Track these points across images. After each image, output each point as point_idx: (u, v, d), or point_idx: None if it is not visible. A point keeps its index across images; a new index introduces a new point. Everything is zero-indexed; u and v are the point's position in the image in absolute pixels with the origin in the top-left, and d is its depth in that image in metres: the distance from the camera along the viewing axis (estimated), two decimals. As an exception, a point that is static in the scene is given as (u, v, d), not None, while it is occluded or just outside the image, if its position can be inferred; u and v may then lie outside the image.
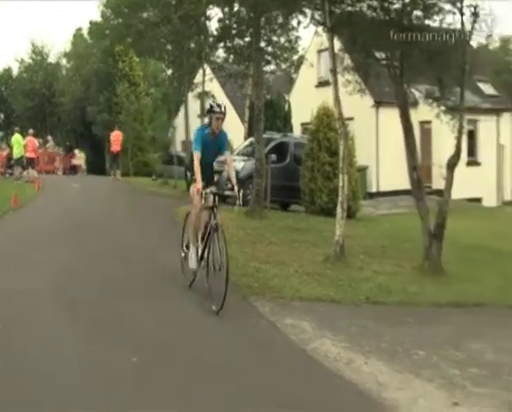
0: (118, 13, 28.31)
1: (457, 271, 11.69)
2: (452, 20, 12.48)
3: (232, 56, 24.38)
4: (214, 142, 8.87)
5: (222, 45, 24.88)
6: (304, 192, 20.25)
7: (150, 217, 17.41)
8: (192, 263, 9.03)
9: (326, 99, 19.43)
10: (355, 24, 13.06)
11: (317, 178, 19.85)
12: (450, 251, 12.39)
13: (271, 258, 11.69)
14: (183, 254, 9.53)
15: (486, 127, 32.46)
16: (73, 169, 38.42)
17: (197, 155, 8.68)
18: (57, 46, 66.89)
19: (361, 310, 9.19)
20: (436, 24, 12.76)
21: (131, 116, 38.78)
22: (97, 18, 43.35)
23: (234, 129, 34.60)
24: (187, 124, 27.71)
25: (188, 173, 9.42)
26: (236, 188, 8.61)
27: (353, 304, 9.39)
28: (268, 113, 24.75)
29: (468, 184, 26.32)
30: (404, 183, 14.30)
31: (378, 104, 30.01)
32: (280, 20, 21.84)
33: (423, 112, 16.15)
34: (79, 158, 39.78)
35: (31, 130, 30.67)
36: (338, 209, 12.36)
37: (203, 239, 8.87)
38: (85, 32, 53.59)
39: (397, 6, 12.70)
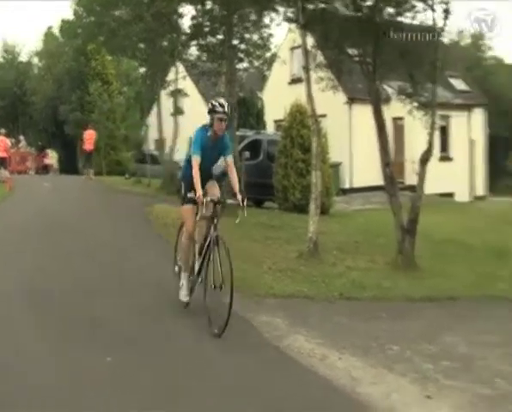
0: (91, 11, 28.11)
1: (430, 266, 11.78)
2: (424, 17, 12.60)
3: (205, 54, 24.30)
4: (215, 146, 7.95)
5: (194, 42, 24.78)
6: (277, 189, 20.26)
7: (123, 216, 17.31)
8: (183, 294, 8.19)
9: (298, 96, 19.46)
10: (327, 21, 13.10)
11: (290, 175, 19.87)
12: (423, 246, 12.48)
13: (245, 256, 11.66)
14: (177, 269, 8.55)
15: (458, 122, 32.70)
16: (45, 169, 38.13)
17: (196, 160, 7.72)
18: (29, 45, 66.45)
19: (334, 306, 9.22)
20: (409, 21, 12.86)
21: (103, 115, 38.53)
22: (69, 16, 43.02)
23: (208, 126, 34.59)
24: (160, 123, 27.63)
25: (182, 184, 8.19)
26: (240, 196, 7.71)
27: (327, 300, 9.42)
28: (241, 111, 24.76)
29: (441, 179, 26.49)
30: (377, 179, 14.39)
31: (351, 100, 30.13)
32: (253, 17, 21.83)
33: (395, 108, 16.24)
34: (51, 157, 39.48)
35: (3, 130, 30.26)
36: (312, 206, 12.40)
37: (200, 253, 7.98)
38: (56, 30, 53.21)
39: (369, 3, 12.76)
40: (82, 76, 44.94)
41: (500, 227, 18.15)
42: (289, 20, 14.79)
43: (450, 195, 31.08)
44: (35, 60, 58.48)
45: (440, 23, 12.29)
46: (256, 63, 27.15)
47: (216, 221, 7.68)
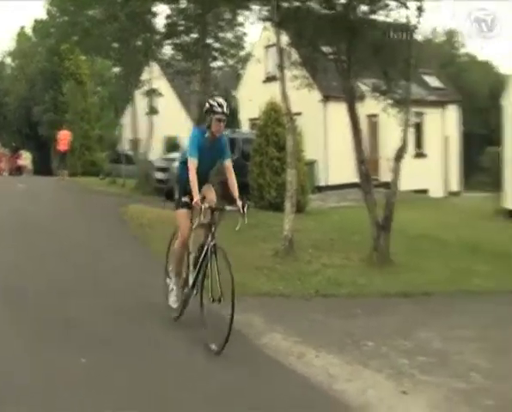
0: (64, 11, 27.99)
1: (405, 261, 11.84)
2: (397, 14, 12.66)
3: (180, 53, 24.27)
4: (212, 149, 7.44)
5: (169, 42, 24.74)
6: (253, 188, 20.24)
7: (98, 217, 17.22)
8: (172, 299, 7.74)
9: (273, 95, 19.45)
10: (302, 19, 13.13)
11: (265, 174, 19.87)
12: (398, 242, 12.54)
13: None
14: (168, 281, 8.01)
15: (432, 119, 32.90)
16: (19, 170, 37.86)
17: (193, 163, 7.20)
18: (2, 45, 65.88)
19: (310, 303, 9.24)
20: (382, 18, 12.92)
21: (78, 115, 38.29)
22: (42, 16, 42.75)
23: (183, 126, 34.49)
24: (135, 123, 27.53)
25: (177, 188, 7.73)
26: (240, 202, 7.22)
27: (303, 298, 9.44)
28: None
29: (415, 175, 26.64)
30: (352, 176, 14.43)
31: (326, 98, 30.19)
32: (227, 16, 21.85)
33: (370, 105, 16.31)
34: (25, 158, 39.22)
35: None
36: (287, 204, 12.41)
37: (195, 263, 7.43)
38: (29, 30, 52.81)
39: (343, 1, 12.82)
40: (56, 76, 44.65)
41: (474, 223, 18.34)
42: (263, 18, 14.80)
43: (425, 191, 31.26)
44: (8, 60, 58.05)
45: (413, 21, 12.39)
46: (230, 62, 27.20)
47: (213, 229, 7.18)
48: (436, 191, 32.42)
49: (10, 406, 5.29)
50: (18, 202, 19.39)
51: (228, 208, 7.27)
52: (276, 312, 8.60)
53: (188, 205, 7.42)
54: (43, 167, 41.75)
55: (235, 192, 7.39)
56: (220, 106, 7.29)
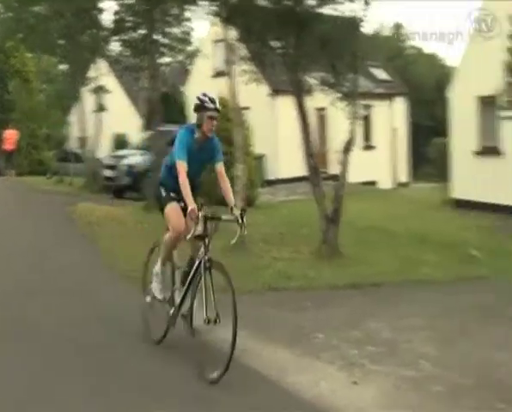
0: (8, 7, 27.44)
1: (354, 253, 11.93)
2: (345, 7, 12.73)
3: (128, 49, 24.04)
4: (202, 150, 6.68)
5: (117, 38, 24.48)
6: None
7: (45, 216, 16.97)
8: (157, 290, 6.97)
9: (222, 90, 19.40)
10: (249, 13, 13.11)
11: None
12: (347, 234, 12.63)
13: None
14: (148, 299, 7.18)
15: (380, 112, 33.26)
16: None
17: (183, 166, 6.43)
18: None
19: (261, 297, 9.25)
20: (330, 12, 12.97)
21: (24, 114, 37.70)
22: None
23: (132, 122, 34.24)
24: (82, 120, 27.22)
25: (162, 190, 6.91)
26: (237, 211, 6.55)
27: (253, 291, 9.44)
28: (165, 106, 24.56)
29: (364, 168, 26.93)
30: (301, 170, 14.47)
31: (275, 92, 30.24)
32: (175, 11, 21.70)
33: (318, 98, 16.38)
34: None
35: None
36: (236, 199, 12.38)
37: (184, 280, 6.71)
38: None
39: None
40: (1, 74, 43.83)
41: (422, 213, 18.59)
42: (211, 13, 14.74)
43: (374, 183, 31.61)
44: (-49, 58, 56.77)
45: (360, 14, 12.47)
46: (179, 58, 27.03)
47: (207, 241, 6.40)
48: (385, 183, 32.81)
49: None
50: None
51: (224, 217, 6.55)
52: (227, 306, 8.57)
53: (178, 200, 6.71)
54: (-11, 167, 41.00)
55: (231, 200, 6.73)
56: (212, 101, 6.59)
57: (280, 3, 12.79)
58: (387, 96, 34.59)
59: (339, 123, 15.05)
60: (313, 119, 13.73)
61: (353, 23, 12.92)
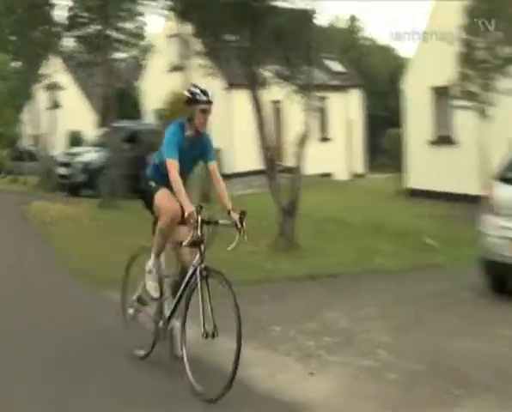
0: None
1: (311, 245, 11.99)
2: (298, 0, 12.76)
3: (82, 45, 23.80)
4: (193, 147, 6.14)
5: (70, 34, 24.21)
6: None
7: (-1, 215, 16.76)
8: (152, 288, 6.35)
9: (178, 85, 19.34)
10: (204, 8, 13.06)
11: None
12: (304, 226, 12.67)
13: (129, 248, 11.47)
14: (131, 312, 6.65)
15: (335, 103, 33.45)
16: None
17: (175, 165, 5.87)
18: None
19: (218, 291, 9.21)
20: (284, 4, 12.99)
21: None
22: None
23: (87, 119, 33.91)
24: (36, 118, 26.90)
25: (152, 183, 6.25)
26: (236, 215, 5.97)
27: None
28: (120, 102, 24.39)
29: (320, 159, 27.04)
30: (258, 163, 14.47)
31: (230, 86, 30.16)
32: (128, 6, 21.54)
33: (273, 91, 16.40)
34: None
35: None
36: (192, 193, 12.34)
37: (175, 290, 6.15)
38: None
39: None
40: (-49, 73, 43.09)
41: (378, 204, 18.75)
42: (166, 8, 14.68)
43: (330, 174, 31.77)
44: None
45: (312, 6, 12.51)
46: (133, 53, 26.82)
47: (203, 247, 5.86)
48: (341, 174, 33.00)
49: None
50: None
51: (221, 221, 5.95)
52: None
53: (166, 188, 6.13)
54: None
55: (228, 202, 6.15)
56: (204, 93, 6.00)
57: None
58: (343, 88, 34.78)
59: (295, 115, 15.08)
60: (268, 112, 13.72)
61: (307, 15, 12.96)
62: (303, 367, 6.28)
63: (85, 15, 21.95)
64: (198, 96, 5.96)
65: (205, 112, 6.00)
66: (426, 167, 21.58)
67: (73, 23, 22.82)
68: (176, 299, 6.09)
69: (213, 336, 5.65)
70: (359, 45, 57.74)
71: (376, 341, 7.10)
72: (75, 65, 26.84)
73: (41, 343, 6.91)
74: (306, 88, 12.64)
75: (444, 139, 21.59)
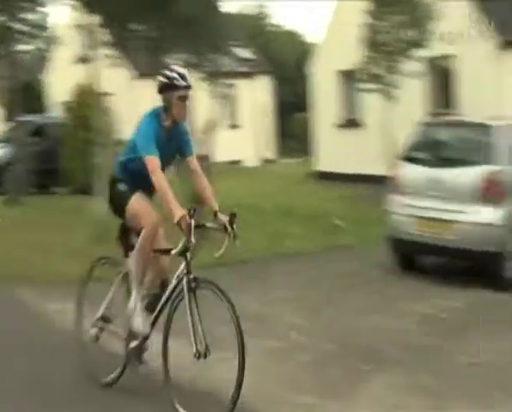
0: None
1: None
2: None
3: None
4: (170, 140, 5.31)
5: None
6: (65, 173, 19.69)
7: None
8: (138, 321, 5.34)
9: (84, 76, 19.00)
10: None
11: (76, 158, 19.31)
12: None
13: (35, 244, 11.29)
14: (94, 331, 5.76)
15: (244, 90, 33.54)
16: None
17: (155, 162, 5.05)
18: None
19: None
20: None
21: None
22: None
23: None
24: None
25: (120, 185, 5.44)
26: (225, 217, 5.19)
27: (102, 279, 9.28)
28: (25, 95, 23.79)
29: (230, 146, 27.11)
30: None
31: (139, 76, 29.82)
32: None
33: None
34: None
35: None
36: (99, 187, 12.18)
37: (153, 307, 5.31)
38: None
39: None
40: None
41: (289, 188, 18.93)
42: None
43: (240, 161, 31.87)
44: None
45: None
46: (37, 44, 26.20)
47: (189, 255, 5.10)
48: (252, 161, 33.12)
49: None
50: None
51: (208, 224, 5.24)
52: (92, 296, 8.41)
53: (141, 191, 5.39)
54: None
55: (214, 203, 5.32)
56: (182, 77, 5.15)
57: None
58: (251, 75, 34.87)
59: (203, 103, 15.05)
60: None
61: (213, 2, 12.97)
62: (215, 353, 6.26)
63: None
64: (175, 81, 5.14)
65: (184, 99, 5.19)
66: (334, 150, 21.90)
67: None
68: (154, 315, 5.29)
69: (205, 355, 4.95)
70: (266, 31, 57.93)
71: (288, 323, 7.20)
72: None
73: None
74: (213, 76, 12.65)
75: (351, 122, 21.97)
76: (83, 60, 24.34)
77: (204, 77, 12.88)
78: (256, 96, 34.85)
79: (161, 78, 5.21)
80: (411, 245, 9.58)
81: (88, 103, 19.34)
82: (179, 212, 4.86)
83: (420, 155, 9.83)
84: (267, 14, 60.54)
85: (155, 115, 5.29)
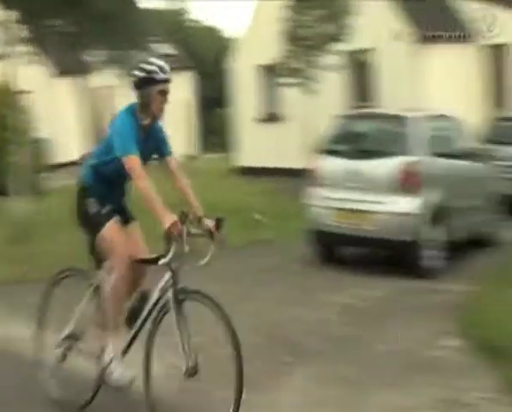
0: None
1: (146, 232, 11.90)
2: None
3: None
4: (148, 139, 4.92)
5: None
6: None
7: None
8: (119, 373, 4.86)
9: (0, 74, 18.57)
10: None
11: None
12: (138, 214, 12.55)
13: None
14: (59, 351, 5.19)
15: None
16: None
17: (135, 160, 4.64)
18: None
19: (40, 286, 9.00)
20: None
21: None
22: None
23: None
24: None
25: (91, 202, 4.92)
26: (211, 222, 4.86)
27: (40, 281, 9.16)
28: None
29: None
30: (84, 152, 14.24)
31: (57, 74, 29.32)
32: None
33: (103, 77, 16.15)
34: None
35: None
36: (16, 186, 11.97)
37: (130, 323, 4.87)
38: None
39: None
40: None
41: (212, 183, 18.83)
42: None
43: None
44: None
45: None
46: None
47: (174, 266, 4.66)
48: (176, 157, 33.01)
49: None
50: None
51: (193, 230, 4.71)
52: (18, 299, 8.27)
53: (113, 213, 4.97)
54: None
55: (197, 207, 4.99)
56: (162, 69, 4.80)
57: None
58: (172, 70, 34.66)
59: (125, 101, 14.92)
60: (99, 98, 13.50)
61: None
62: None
63: None
64: (155, 75, 4.77)
65: (164, 93, 4.86)
66: (256, 145, 22.02)
67: None
68: (134, 331, 4.83)
69: (194, 373, 4.59)
70: (185, 26, 57.67)
71: (211, 318, 7.19)
72: None
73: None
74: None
75: (272, 116, 22.13)
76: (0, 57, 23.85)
77: (123, 74, 12.78)
78: (178, 92, 34.67)
79: (139, 73, 4.80)
80: (331, 236, 9.75)
81: (4, 101, 18.96)
82: (169, 217, 4.41)
83: (339, 148, 10.00)
84: (186, 9, 60.24)
85: (131, 112, 4.82)
